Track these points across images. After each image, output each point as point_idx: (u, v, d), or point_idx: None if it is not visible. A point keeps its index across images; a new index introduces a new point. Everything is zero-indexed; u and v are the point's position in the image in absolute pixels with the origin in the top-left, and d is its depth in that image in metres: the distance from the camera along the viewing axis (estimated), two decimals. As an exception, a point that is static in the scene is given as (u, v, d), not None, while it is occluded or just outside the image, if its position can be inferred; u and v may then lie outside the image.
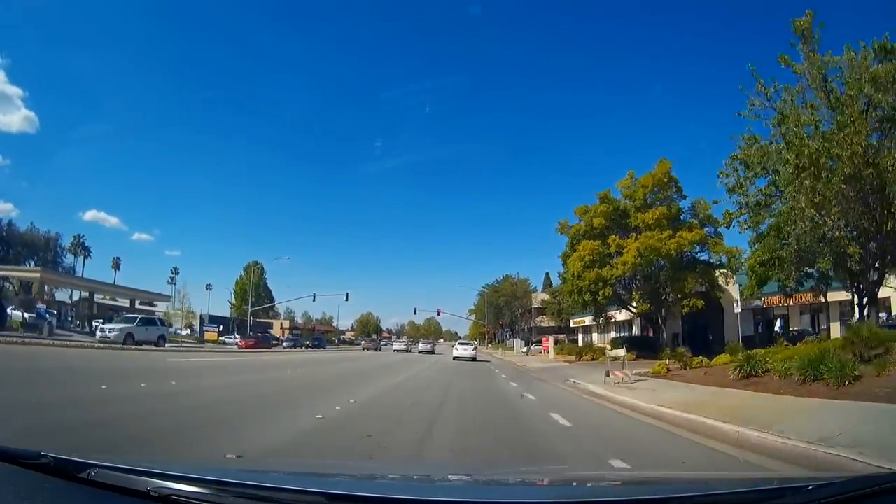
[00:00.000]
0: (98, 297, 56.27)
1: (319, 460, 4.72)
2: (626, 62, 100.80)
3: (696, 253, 26.44)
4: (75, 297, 58.27)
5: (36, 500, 1.51)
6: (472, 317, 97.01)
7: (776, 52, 12.87)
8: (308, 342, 50.62)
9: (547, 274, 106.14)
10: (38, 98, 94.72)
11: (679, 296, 25.53)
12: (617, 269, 25.00)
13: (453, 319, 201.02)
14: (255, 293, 75.31)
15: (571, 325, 51.34)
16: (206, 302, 76.66)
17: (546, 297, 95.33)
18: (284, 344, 48.16)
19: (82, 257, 73.63)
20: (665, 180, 26.04)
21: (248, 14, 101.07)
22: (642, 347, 26.43)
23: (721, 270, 25.39)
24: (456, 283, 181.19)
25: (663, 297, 25.78)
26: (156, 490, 1.50)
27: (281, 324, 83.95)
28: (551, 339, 36.54)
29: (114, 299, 55.86)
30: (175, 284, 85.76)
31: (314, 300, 51.31)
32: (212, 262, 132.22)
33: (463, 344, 38.46)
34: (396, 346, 53.56)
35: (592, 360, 27.45)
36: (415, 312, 65.01)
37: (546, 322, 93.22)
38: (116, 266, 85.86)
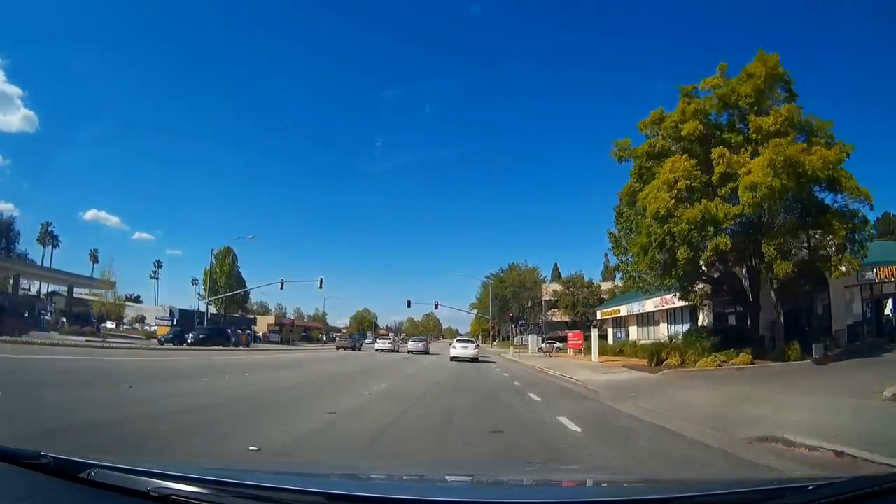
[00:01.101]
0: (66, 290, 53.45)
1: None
2: (628, 63, 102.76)
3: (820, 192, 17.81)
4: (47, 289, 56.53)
5: (36, 500, 1.52)
6: (475, 312, 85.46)
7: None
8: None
9: (556, 265, 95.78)
10: (37, 97, 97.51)
11: (811, 255, 17.54)
12: (736, 202, 16.64)
13: (453, 317, 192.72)
14: (226, 283, 64.07)
15: (599, 318, 39.82)
16: (193, 297, 75.07)
17: (558, 287, 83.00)
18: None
19: (50, 247, 70.53)
20: (779, 71, 17.71)
21: (248, 14, 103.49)
22: (731, 341, 18.90)
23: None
24: (456, 280, 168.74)
25: (767, 259, 16.85)
26: (156, 490, 1.50)
27: (255, 319, 72.73)
28: (595, 332, 25.56)
29: (93, 293, 51.20)
30: (158, 279, 77.09)
31: (282, 288, 42.02)
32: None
33: (462, 341, 33.08)
34: (380, 343, 42.18)
35: (681, 365, 18.01)
36: (409, 305, 56.87)
37: (558, 316, 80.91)
38: (94, 259, 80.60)
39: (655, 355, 18.78)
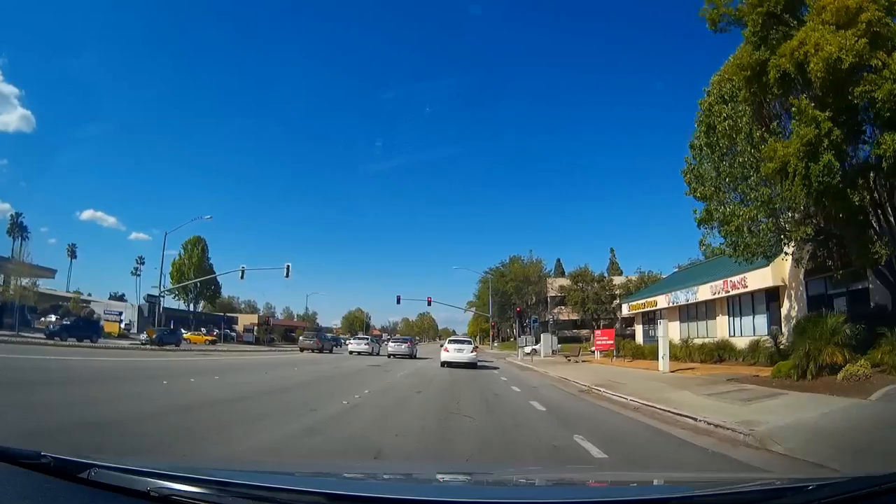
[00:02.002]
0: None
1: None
2: (628, 63, 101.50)
3: None
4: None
5: (36, 500, 1.53)
6: (472, 310, 77.12)
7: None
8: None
9: (558, 261, 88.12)
10: (34, 97, 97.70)
11: None
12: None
13: (450, 319, 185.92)
14: (195, 276, 56.42)
15: (626, 313, 31.49)
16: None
17: (565, 282, 74.05)
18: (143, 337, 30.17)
19: (19, 239, 63.90)
20: None
21: (249, 13, 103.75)
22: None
23: None
24: (454, 281, 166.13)
25: None
26: (156, 490, 1.51)
27: (237, 317, 70.36)
28: (663, 326, 17.09)
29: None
30: (140, 276, 75.96)
31: (242, 277, 35.07)
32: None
33: (457, 342, 26.57)
34: (353, 345, 33.47)
35: (873, 373, 9.93)
36: (398, 302, 50.26)
37: (565, 314, 71.85)
38: (72, 253, 79.25)
39: (810, 358, 10.23)
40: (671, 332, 29.15)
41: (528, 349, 33.73)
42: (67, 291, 70.54)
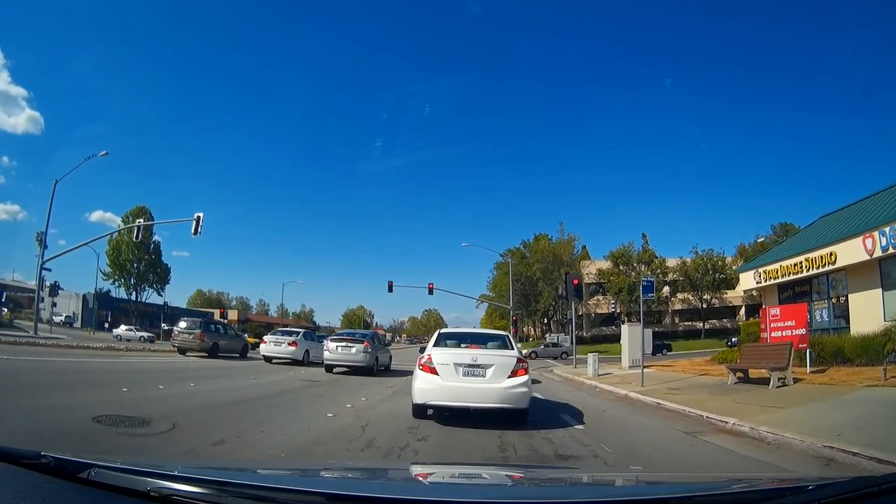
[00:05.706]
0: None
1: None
2: (630, 59, 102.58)
3: None
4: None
5: (36, 500, 1.53)
6: (488, 302, 62.73)
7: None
8: None
9: (584, 247, 71.61)
10: (42, 98, 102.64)
11: None
12: None
13: (461, 320, 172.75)
14: (135, 256, 43.54)
15: (752, 285, 15.72)
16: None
17: (605, 265, 59.18)
18: None
19: None
20: None
21: (248, 11, 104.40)
22: None
23: None
24: (468, 277, 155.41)
25: None
26: (156, 490, 1.53)
27: (213, 313, 54.45)
28: None
29: None
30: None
31: (138, 236, 21.03)
32: (215, 262, 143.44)
33: (469, 343, 8.07)
34: (269, 346, 19.04)
35: None
36: (390, 290, 42.91)
37: (602, 307, 57.23)
38: (41, 243, 69.80)
39: None
40: (867, 306, 14.96)
41: (628, 359, 17.99)
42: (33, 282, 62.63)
